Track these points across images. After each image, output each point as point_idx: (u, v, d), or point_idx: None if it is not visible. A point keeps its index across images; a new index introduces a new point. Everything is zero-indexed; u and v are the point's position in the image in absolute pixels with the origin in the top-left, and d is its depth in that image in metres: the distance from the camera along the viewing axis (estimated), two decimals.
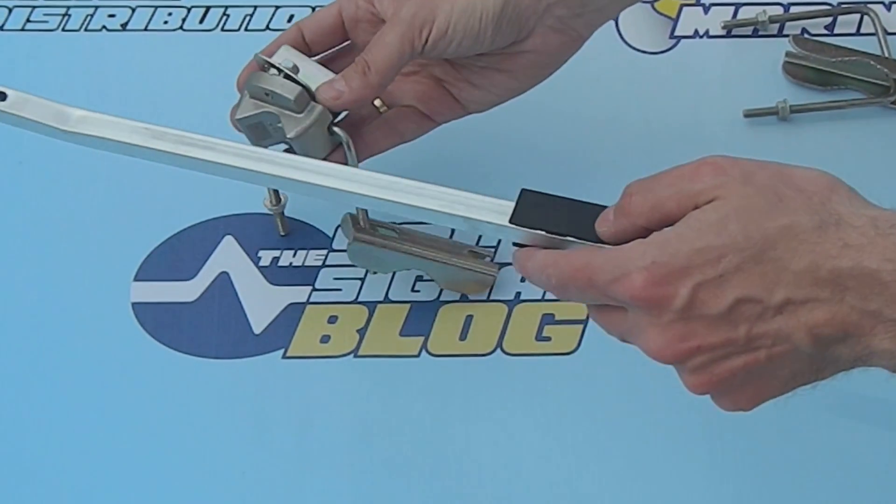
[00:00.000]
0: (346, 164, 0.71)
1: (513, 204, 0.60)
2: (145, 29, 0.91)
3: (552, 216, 0.59)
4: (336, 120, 0.71)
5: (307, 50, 0.72)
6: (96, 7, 0.92)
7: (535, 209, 0.59)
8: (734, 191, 0.53)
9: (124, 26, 0.91)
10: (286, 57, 0.70)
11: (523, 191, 0.60)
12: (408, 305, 0.79)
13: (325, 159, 0.70)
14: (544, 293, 0.78)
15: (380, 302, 0.79)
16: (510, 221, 0.59)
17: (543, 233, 0.59)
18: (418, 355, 0.77)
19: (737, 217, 0.52)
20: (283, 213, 0.80)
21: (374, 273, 0.79)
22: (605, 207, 0.58)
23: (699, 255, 0.52)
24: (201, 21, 0.91)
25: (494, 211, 0.60)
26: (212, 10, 0.91)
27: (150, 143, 0.65)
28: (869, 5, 0.90)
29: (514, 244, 0.61)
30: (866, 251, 0.51)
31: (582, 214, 0.58)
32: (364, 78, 0.69)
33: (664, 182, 0.55)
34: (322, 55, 0.74)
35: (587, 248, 0.57)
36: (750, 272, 0.52)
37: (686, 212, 0.54)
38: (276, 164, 0.63)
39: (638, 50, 0.90)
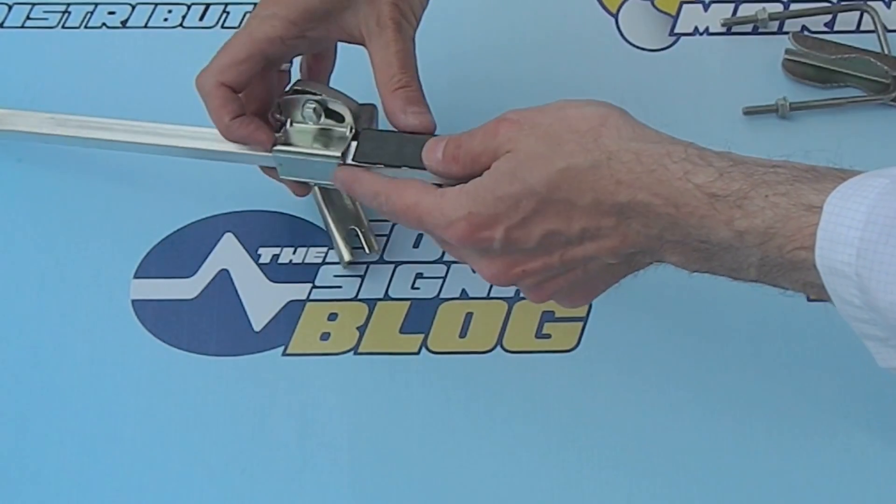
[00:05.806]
0: None
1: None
2: (145, 26, 0.91)
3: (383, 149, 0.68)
4: None
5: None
6: (96, 4, 0.92)
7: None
8: (522, 142, 0.61)
9: (124, 23, 0.91)
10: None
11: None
12: (408, 303, 0.79)
13: None
14: None
15: (380, 299, 0.79)
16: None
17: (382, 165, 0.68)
18: (418, 353, 0.77)
19: (524, 166, 0.60)
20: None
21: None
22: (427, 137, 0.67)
23: (501, 202, 0.61)
24: (201, 18, 0.91)
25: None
26: (212, 7, 0.91)
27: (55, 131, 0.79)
28: (869, 2, 0.90)
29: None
30: (636, 186, 0.58)
31: (410, 145, 0.67)
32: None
33: (478, 138, 0.63)
34: None
35: (416, 188, 0.65)
36: (546, 211, 0.60)
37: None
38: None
39: (637, 47, 0.90)
